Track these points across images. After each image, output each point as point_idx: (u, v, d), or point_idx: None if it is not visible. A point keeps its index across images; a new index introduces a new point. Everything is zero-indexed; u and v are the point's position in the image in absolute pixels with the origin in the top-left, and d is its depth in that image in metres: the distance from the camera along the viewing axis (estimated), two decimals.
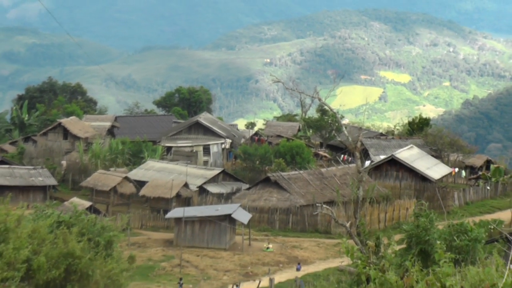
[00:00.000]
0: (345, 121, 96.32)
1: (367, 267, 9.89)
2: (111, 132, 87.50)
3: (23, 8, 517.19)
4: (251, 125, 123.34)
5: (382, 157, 72.25)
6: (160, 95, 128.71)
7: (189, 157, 79.99)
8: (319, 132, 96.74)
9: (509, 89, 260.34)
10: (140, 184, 65.99)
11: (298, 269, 47.59)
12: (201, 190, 66.48)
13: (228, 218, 53.10)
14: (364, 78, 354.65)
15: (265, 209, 61.15)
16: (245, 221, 53.65)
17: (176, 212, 55.32)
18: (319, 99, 48.11)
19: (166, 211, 59.43)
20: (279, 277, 45.01)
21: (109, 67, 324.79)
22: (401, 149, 72.85)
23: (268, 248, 53.62)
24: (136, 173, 69.52)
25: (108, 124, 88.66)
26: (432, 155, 76.53)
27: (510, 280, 5.96)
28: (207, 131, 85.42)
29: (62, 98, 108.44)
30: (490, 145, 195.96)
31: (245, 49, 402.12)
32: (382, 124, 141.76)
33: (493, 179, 75.19)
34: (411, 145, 76.06)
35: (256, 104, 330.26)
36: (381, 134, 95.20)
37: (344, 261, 42.52)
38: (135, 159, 76.95)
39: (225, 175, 72.15)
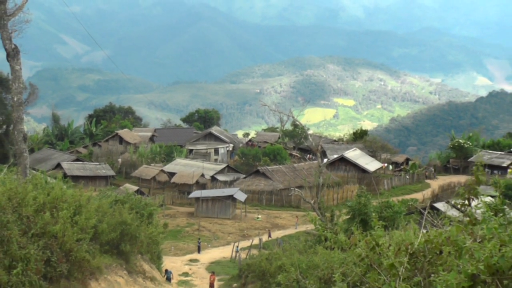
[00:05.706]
0: (310, 132, 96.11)
1: (325, 231, 9.88)
2: (151, 139, 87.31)
3: (92, 55, 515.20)
4: (246, 134, 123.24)
5: (335, 156, 72.34)
6: (185, 114, 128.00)
7: (205, 156, 79.91)
8: (292, 139, 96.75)
9: (422, 110, 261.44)
10: (171, 174, 65.96)
11: (296, 227, 48.16)
12: (213, 178, 66.42)
13: (231, 197, 53.09)
14: (323, 103, 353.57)
15: (256, 191, 61.18)
16: (243, 200, 53.72)
17: (196, 193, 55.31)
18: (293, 117, 48.06)
19: (189, 193, 59.39)
20: (266, 238, 45.06)
21: (150, 95, 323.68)
22: (348, 151, 72.95)
23: (258, 217, 53.58)
24: (169, 167, 69.43)
25: (149, 134, 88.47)
26: (369, 155, 76.66)
27: (423, 240, 5.98)
28: (217, 139, 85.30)
29: (118, 116, 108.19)
30: (408, 148, 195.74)
31: (243, 83, 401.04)
32: (335, 134, 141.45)
33: (410, 171, 75.52)
34: (355, 148, 76.17)
35: (250, 120, 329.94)
36: (335, 141, 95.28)
37: (309, 227, 42.54)
38: (168, 157, 76.85)
39: (229, 169, 72.10)
